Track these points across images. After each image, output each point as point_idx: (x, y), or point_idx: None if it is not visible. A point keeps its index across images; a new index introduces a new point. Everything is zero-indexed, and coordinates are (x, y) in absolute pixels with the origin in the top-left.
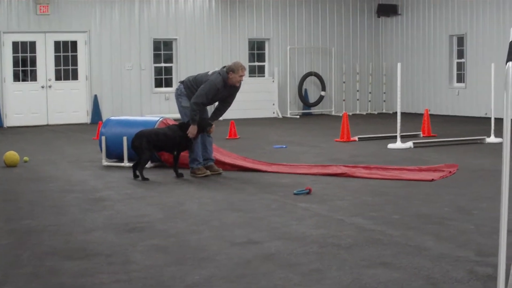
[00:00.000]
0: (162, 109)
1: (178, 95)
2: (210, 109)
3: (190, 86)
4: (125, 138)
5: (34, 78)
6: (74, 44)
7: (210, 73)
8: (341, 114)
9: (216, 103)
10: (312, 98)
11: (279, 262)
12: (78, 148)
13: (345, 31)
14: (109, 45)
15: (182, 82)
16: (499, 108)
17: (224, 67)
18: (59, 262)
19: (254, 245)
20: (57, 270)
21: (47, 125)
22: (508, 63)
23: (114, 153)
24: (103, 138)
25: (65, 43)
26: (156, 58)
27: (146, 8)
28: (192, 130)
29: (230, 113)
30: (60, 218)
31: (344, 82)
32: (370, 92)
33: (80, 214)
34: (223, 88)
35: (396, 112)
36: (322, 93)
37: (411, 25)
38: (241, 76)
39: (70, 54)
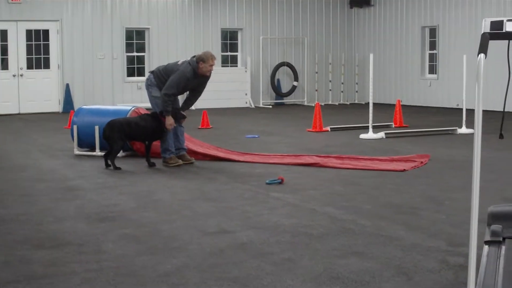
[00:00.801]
0: (134, 98)
1: (148, 85)
2: (181, 98)
3: (160, 76)
4: (97, 127)
5: (5, 66)
6: (46, 32)
7: (179, 62)
8: (313, 104)
9: (187, 93)
10: (284, 88)
11: (251, 252)
12: (50, 137)
13: (318, 22)
14: (81, 34)
15: (152, 72)
16: (471, 99)
17: (193, 56)
18: (30, 251)
19: (227, 234)
20: (28, 259)
21: (19, 114)
22: (479, 55)
23: (85, 142)
24: (75, 127)
25: (37, 31)
26: (128, 47)
27: None
28: (168, 121)
29: (202, 103)
30: (31, 207)
31: (316, 73)
32: (342, 83)
33: (51, 203)
34: (193, 77)
35: (368, 103)
36: (295, 83)
37: (384, 16)
38: (211, 65)
39: (42, 43)
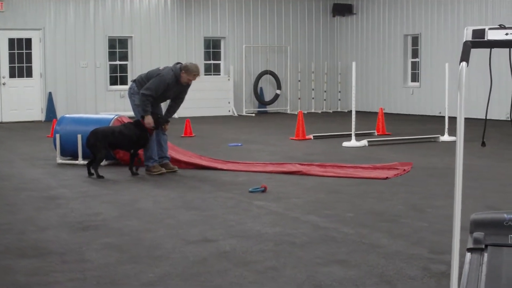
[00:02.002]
0: (117, 107)
1: (131, 94)
2: (164, 106)
3: (142, 83)
4: (79, 136)
5: None
6: (28, 41)
7: (161, 68)
8: (296, 113)
9: (169, 101)
10: (267, 97)
11: (234, 260)
12: (32, 146)
13: (301, 30)
14: (64, 42)
15: (134, 81)
16: (453, 107)
17: (178, 63)
18: (13, 260)
19: (209, 243)
20: (10, 269)
21: (1, 122)
22: (461, 63)
23: (68, 151)
24: (58, 136)
25: (20, 40)
26: (111, 55)
27: (101, 5)
28: (148, 121)
29: (185, 111)
30: (13, 217)
31: (299, 81)
32: (325, 91)
33: (33, 212)
34: (174, 83)
35: (351, 111)
36: (278, 91)
37: (366, 25)
38: (192, 79)
39: (24, 51)
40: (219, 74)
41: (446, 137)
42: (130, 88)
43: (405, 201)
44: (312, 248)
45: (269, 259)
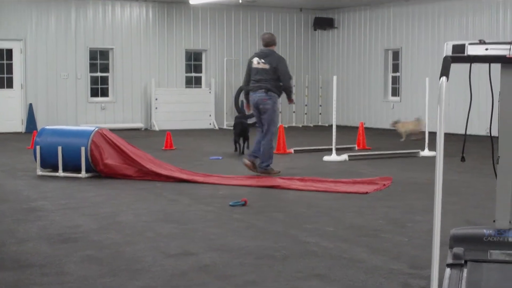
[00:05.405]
0: (97, 119)
1: (274, 103)
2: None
3: (274, 83)
4: (60, 148)
5: None
6: (9, 52)
7: (257, 61)
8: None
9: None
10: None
11: (214, 274)
12: (12, 158)
13: (282, 44)
14: (45, 53)
15: (266, 89)
16: (433, 122)
17: (258, 52)
18: None
19: (190, 256)
20: None
21: None
22: (441, 78)
23: (49, 163)
24: (38, 147)
25: (0, 51)
26: (92, 67)
27: (82, 17)
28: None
29: (166, 124)
30: None
31: None
32: (306, 105)
33: (13, 224)
34: None
35: (331, 125)
36: None
37: (347, 39)
38: None
39: (5, 62)
40: (200, 87)
41: (426, 152)
42: (268, 99)
43: (385, 216)
44: (292, 262)
45: (249, 273)
